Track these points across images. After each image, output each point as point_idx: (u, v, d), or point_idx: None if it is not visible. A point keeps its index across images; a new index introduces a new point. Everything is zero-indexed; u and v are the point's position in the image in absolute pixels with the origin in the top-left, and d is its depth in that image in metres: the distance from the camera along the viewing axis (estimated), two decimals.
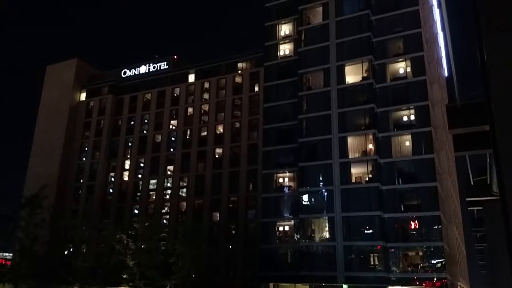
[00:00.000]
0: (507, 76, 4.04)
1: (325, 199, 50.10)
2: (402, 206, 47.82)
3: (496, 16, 4.22)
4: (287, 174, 55.22)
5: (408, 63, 51.72)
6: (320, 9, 57.22)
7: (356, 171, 50.08)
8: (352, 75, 53.21)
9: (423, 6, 55.18)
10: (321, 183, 50.99)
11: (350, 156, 50.34)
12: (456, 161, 66.00)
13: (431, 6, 62.95)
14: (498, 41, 4.21)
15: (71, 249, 63.13)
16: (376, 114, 50.43)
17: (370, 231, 47.46)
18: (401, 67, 52.32)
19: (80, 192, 75.10)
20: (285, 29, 60.93)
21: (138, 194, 71.29)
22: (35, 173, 74.31)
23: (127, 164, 74.38)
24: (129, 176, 73.30)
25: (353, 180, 49.62)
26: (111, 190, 73.93)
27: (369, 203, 47.73)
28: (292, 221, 52.92)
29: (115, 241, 54.24)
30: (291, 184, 54.52)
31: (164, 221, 67.08)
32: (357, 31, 53.33)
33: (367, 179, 49.19)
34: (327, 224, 49.77)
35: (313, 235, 50.51)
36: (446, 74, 68.80)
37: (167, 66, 77.41)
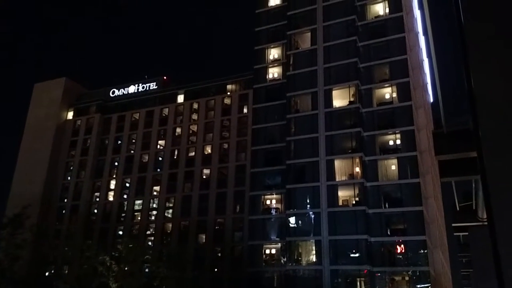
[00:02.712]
0: (495, 102, 4.14)
1: (312, 221, 49.99)
2: (388, 230, 47.94)
3: (484, 44, 4.37)
4: (275, 196, 55.13)
5: (394, 88, 52.79)
6: (309, 34, 58.41)
7: (343, 194, 50.26)
8: (339, 99, 54.03)
9: (409, 33, 56.75)
10: (308, 206, 50.97)
11: (337, 179, 50.59)
12: (441, 186, 66.76)
13: (417, 33, 64.77)
14: (486, 68, 4.32)
15: (53, 271, 61.38)
16: (362, 138, 51.04)
17: (357, 255, 47.32)
18: (387, 92, 53.36)
19: (64, 211, 73.63)
20: (274, 53, 61.90)
21: (123, 214, 70.17)
22: (19, 192, 72.76)
23: (112, 184, 73.42)
24: (114, 196, 72.26)
25: (340, 203, 49.75)
26: (95, 211, 72.67)
27: (356, 226, 47.76)
28: (279, 243, 52.54)
29: (98, 262, 52.94)
30: (279, 206, 54.38)
31: (149, 243, 65.91)
32: (344, 57, 54.44)
33: (354, 202, 49.36)
34: (314, 247, 49.50)
35: (300, 258, 50.12)
36: (431, 99, 70.33)
37: (156, 87, 77.57)
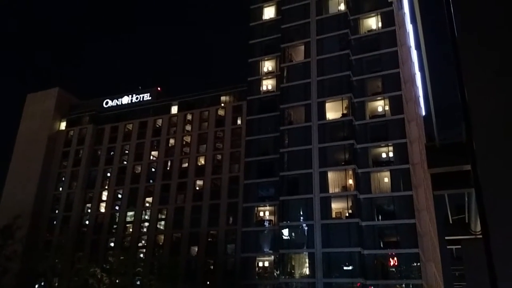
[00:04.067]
0: (489, 115, 4.16)
1: (306, 234, 49.82)
2: (381, 243, 47.90)
3: (477, 57, 4.40)
4: (268, 207, 54.94)
5: (387, 101, 53.24)
6: (302, 47, 58.93)
7: (336, 206, 50.24)
8: (333, 111, 54.35)
9: (401, 47, 57.48)
10: (301, 218, 50.85)
11: (330, 191, 50.61)
12: (434, 198, 67.01)
13: (409, 47, 65.59)
14: (479, 82, 4.34)
15: (42, 283, 60.41)
16: (355, 150, 51.25)
17: (350, 267, 47.14)
18: (380, 105, 53.80)
19: (55, 223, 72.69)
20: (268, 65, 62.29)
21: (115, 226, 69.41)
22: (10, 202, 71.80)
23: (104, 195, 72.77)
24: (106, 208, 71.55)
25: (333, 215, 49.70)
26: (87, 222, 71.83)
27: (349, 239, 47.66)
28: (272, 256, 52.21)
29: (89, 275, 52.25)
30: (272, 218, 54.17)
31: (141, 255, 65.15)
32: (337, 70, 54.93)
33: (347, 214, 49.34)
34: (307, 260, 49.25)
35: (293, 271, 49.80)
36: (423, 113, 70.95)
37: (150, 98, 77.52)
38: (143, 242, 66.71)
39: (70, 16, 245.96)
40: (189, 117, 72.27)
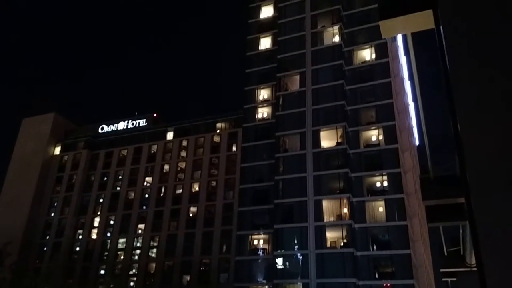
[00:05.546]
0: (482, 148, 4.16)
1: (300, 263, 49.11)
2: (376, 273, 47.27)
3: (470, 90, 4.44)
4: (262, 236, 54.32)
5: (381, 131, 53.72)
6: (297, 77, 59.84)
7: (331, 235, 49.80)
8: (327, 140, 54.69)
9: (395, 78, 58.52)
10: (296, 247, 50.24)
11: (325, 220, 50.27)
12: (429, 230, 66.65)
13: (402, 79, 66.79)
14: (472, 114, 4.34)
15: None
16: (350, 179, 51.28)
17: None
18: (374, 134, 54.25)
19: (45, 249, 71.30)
20: (263, 93, 63.02)
21: (106, 253, 68.15)
22: (0, 227, 70.49)
23: (96, 222, 71.78)
24: (97, 234, 70.44)
25: (328, 244, 49.19)
26: (77, 248, 70.51)
27: (344, 269, 47.02)
28: (266, 286, 51.21)
29: None
30: (266, 246, 53.49)
31: (131, 283, 63.73)
32: (332, 99, 55.62)
33: (342, 244, 48.85)
34: None
35: None
36: (417, 143, 71.49)
37: (146, 124, 77.75)
38: (134, 270, 65.41)
39: (68, 43, 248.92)
40: (184, 143, 72.35)
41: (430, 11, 5.31)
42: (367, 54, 58.75)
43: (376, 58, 57.18)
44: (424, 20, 5.46)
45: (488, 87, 4.35)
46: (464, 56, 4.51)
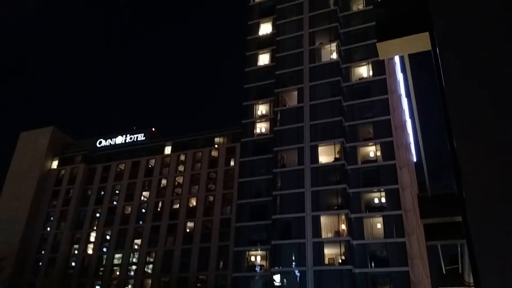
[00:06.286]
0: (479, 167, 4.20)
1: (298, 280, 48.62)
2: None
3: (466, 109, 4.50)
4: (259, 252, 53.89)
5: (378, 147, 53.85)
6: (295, 93, 60.22)
7: (329, 252, 49.45)
8: (325, 155, 54.75)
9: (392, 94, 58.94)
10: (293, 263, 49.81)
11: (323, 236, 49.99)
12: (427, 247, 66.19)
13: (399, 95, 67.27)
14: (468, 133, 4.38)
15: None
16: (348, 195, 51.19)
17: None
18: (372, 150, 54.37)
19: (40, 264, 70.46)
20: (262, 108, 63.30)
21: (101, 269, 67.40)
22: None
23: (92, 236, 71.16)
24: (93, 249, 69.75)
25: (326, 261, 48.80)
26: (73, 264, 69.74)
27: (342, 286, 46.58)
28: None
29: None
30: (263, 263, 53.01)
31: None
32: (329, 115, 55.89)
33: (340, 261, 48.48)
34: None
35: None
36: (414, 159, 71.55)
37: (144, 138, 77.78)
38: (130, 286, 64.63)
39: (68, 56, 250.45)
40: (182, 157, 72.29)
41: (426, 34, 5.47)
42: (364, 71, 59.30)
43: (373, 75, 57.70)
44: (420, 42, 5.61)
45: (483, 107, 4.45)
46: (460, 77, 4.62)
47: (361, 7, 62.44)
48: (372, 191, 51.86)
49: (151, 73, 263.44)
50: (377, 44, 5.79)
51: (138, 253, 66.56)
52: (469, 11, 4.77)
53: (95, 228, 71.66)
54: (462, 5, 4.84)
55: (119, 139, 79.25)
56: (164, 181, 71.35)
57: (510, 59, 4.46)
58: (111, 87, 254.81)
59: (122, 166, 75.47)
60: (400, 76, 68.11)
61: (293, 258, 50.13)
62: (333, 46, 60.50)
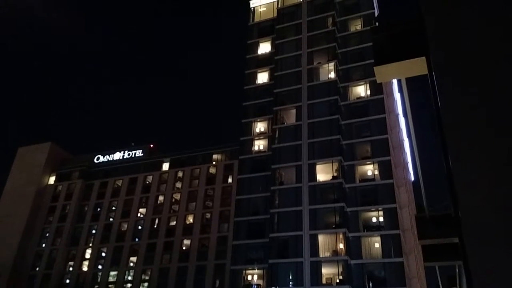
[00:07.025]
0: (475, 190, 4.25)
1: None
2: None
3: (462, 130, 4.57)
4: (256, 271, 53.34)
5: (376, 166, 53.95)
6: (294, 111, 60.60)
7: (326, 271, 48.98)
8: (323, 173, 54.76)
9: (389, 114, 59.33)
10: (291, 283, 49.26)
11: (321, 255, 49.59)
12: (425, 268, 65.72)
13: (397, 115, 67.72)
14: (464, 154, 4.44)
15: None
16: (346, 213, 51.01)
17: None
18: (369, 169, 54.44)
19: (34, 280, 69.41)
20: (260, 126, 63.57)
21: (96, 286, 66.49)
22: None
23: (88, 253, 70.38)
24: (88, 266, 68.91)
25: (324, 281, 48.29)
26: (67, 281, 68.78)
27: None
28: None
29: None
30: (260, 282, 52.41)
31: None
32: (327, 133, 56.13)
33: (337, 280, 47.99)
34: None
35: None
36: (412, 178, 71.60)
37: (142, 154, 77.71)
38: None
39: (67, 71, 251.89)
40: (180, 174, 72.14)
41: (423, 58, 5.63)
42: (362, 90, 59.81)
43: (371, 94, 58.19)
44: (417, 66, 5.76)
45: (478, 130, 4.55)
46: (455, 101, 4.74)
47: (359, 27, 63.40)
48: (370, 210, 51.72)
49: (149, 89, 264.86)
50: (374, 68, 5.95)
51: (133, 270, 65.77)
52: (465, 37, 4.93)
53: (90, 244, 70.95)
54: (458, 31, 4.99)
55: (117, 155, 79.17)
56: (161, 198, 71.04)
57: (504, 83, 4.59)
58: (109, 102, 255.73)
59: (119, 182, 75.19)
60: (397, 95, 68.69)
61: (290, 278, 49.61)
62: (331, 65, 61.19)
